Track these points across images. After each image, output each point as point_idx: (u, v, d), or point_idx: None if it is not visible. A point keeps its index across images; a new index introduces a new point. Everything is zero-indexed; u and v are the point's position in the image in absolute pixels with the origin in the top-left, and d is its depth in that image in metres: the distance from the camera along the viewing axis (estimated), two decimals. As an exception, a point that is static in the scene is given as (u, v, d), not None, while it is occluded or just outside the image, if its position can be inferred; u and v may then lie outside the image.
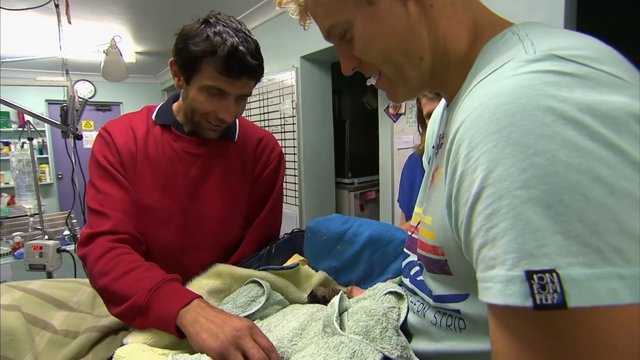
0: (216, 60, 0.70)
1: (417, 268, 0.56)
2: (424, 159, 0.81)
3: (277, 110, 2.73)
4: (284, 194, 2.61)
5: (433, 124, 0.71)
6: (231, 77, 0.72)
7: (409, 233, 0.63)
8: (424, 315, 0.50)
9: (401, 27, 0.42)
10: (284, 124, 2.65)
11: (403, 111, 1.75)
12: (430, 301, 0.48)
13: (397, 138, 1.81)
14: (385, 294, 0.58)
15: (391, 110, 1.78)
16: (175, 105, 0.87)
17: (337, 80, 2.84)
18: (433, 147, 0.61)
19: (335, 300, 0.55)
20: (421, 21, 0.42)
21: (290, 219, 2.69)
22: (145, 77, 5.34)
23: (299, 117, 2.51)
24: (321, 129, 2.56)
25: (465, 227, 0.32)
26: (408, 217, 1.45)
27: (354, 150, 2.82)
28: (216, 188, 0.85)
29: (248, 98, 0.84)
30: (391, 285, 0.60)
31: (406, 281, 0.58)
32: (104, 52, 2.06)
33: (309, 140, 2.58)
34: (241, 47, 0.70)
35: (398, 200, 1.42)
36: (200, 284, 0.70)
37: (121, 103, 5.25)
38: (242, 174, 0.89)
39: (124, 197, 0.77)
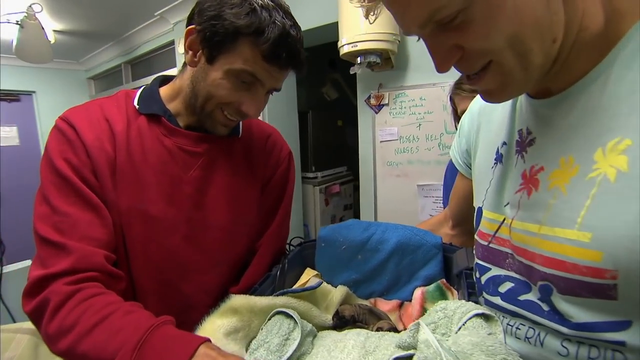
0: (263, 42, 0.55)
1: (511, 285, 0.47)
2: (459, 157, 0.72)
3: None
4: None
5: (477, 117, 0.62)
6: (276, 65, 0.58)
7: (485, 242, 0.53)
8: (541, 344, 0.42)
9: (538, 1, 0.34)
10: (244, 116, 2.42)
11: (386, 102, 1.67)
12: (561, 328, 0.40)
13: (379, 130, 1.73)
14: (472, 317, 0.46)
15: (373, 101, 1.69)
16: (165, 90, 0.68)
17: (295, 69, 2.68)
18: (504, 143, 0.52)
19: (431, 337, 0.43)
20: None
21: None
22: (66, 62, 4.60)
23: (264, 109, 2.30)
24: (286, 122, 2.40)
25: None
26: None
27: (317, 142, 2.70)
28: (221, 193, 0.68)
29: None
30: (471, 304, 0.49)
31: (495, 300, 0.49)
32: (17, 24, 1.66)
33: (273, 133, 2.38)
34: (292, 32, 0.57)
35: (443, 203, 1.34)
36: (214, 326, 0.53)
37: (34, 92, 4.42)
38: (250, 175, 0.73)
39: (92, 220, 0.55)
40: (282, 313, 0.59)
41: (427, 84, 1.60)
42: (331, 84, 3.06)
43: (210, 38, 0.57)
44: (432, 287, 0.74)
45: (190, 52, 0.61)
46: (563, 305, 0.39)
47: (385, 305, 0.78)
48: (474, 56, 0.37)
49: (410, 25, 0.38)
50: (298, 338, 0.55)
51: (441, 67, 0.39)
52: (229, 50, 0.57)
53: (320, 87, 3.17)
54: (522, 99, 0.50)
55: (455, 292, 0.70)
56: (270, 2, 0.58)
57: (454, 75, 1.48)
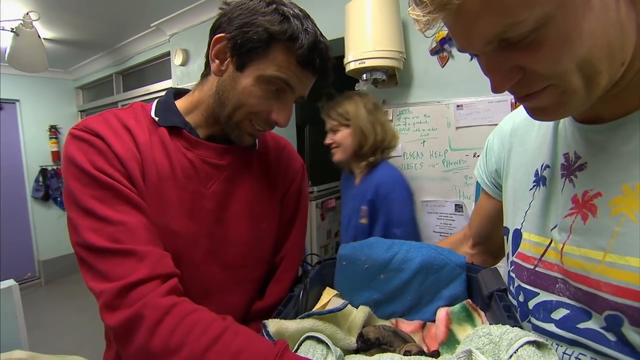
0: (297, 47, 0.54)
1: (567, 311, 0.45)
2: (485, 177, 0.71)
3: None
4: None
5: (509, 138, 0.62)
6: (309, 70, 0.58)
7: (530, 265, 0.51)
8: None
9: (612, 23, 0.33)
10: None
11: (390, 118, 1.67)
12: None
13: (381, 144, 1.73)
14: (523, 345, 0.44)
15: (375, 116, 1.69)
16: (181, 103, 0.66)
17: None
18: (547, 166, 0.51)
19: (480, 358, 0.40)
20: (631, 16, 0.33)
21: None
22: (54, 71, 4.51)
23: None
24: (285, 135, 2.38)
25: None
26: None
27: (313, 157, 2.68)
28: (243, 207, 0.66)
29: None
30: (519, 330, 0.47)
31: (548, 326, 0.47)
32: (11, 31, 1.61)
33: (270, 146, 2.35)
34: (322, 39, 0.57)
35: None
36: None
37: (18, 101, 4.28)
38: (269, 189, 0.71)
39: (148, 224, 0.53)
40: (313, 338, 0.55)
41: (432, 101, 1.61)
42: (326, 98, 3.07)
43: (242, 45, 0.56)
44: (457, 307, 0.71)
45: (217, 61, 0.60)
46: (635, 337, 0.38)
47: (407, 326, 0.75)
48: (536, 78, 0.36)
49: (474, 40, 0.36)
50: (333, 365, 0.52)
51: (499, 88, 0.38)
52: (261, 56, 0.56)
53: (316, 102, 3.17)
54: (565, 122, 0.49)
55: (482, 313, 0.68)
56: (299, 12, 0.58)
57: (460, 94, 1.50)
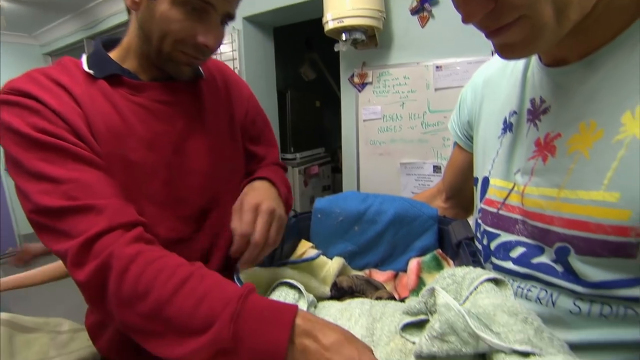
0: None
1: (523, 249, 0.47)
2: (458, 130, 0.72)
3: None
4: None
5: (481, 89, 0.62)
6: None
7: (494, 209, 0.53)
8: (553, 304, 0.43)
9: None
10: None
11: (370, 80, 1.65)
12: (576, 287, 0.41)
13: (362, 109, 1.72)
14: (482, 282, 0.47)
15: (356, 80, 1.67)
16: (115, 53, 0.63)
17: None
18: (514, 112, 0.52)
19: (450, 300, 0.42)
20: None
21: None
22: (17, 36, 4.22)
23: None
24: (265, 101, 2.33)
25: None
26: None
27: (295, 123, 2.66)
28: (202, 137, 0.66)
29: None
30: (480, 270, 0.49)
31: (506, 264, 0.49)
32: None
33: (251, 113, 2.31)
34: None
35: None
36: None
37: (-23, 68, 4.05)
38: (223, 114, 0.72)
39: (102, 178, 0.51)
40: (286, 284, 0.57)
41: (411, 62, 1.60)
42: (309, 64, 3.00)
43: None
44: (427, 257, 0.74)
45: None
46: (579, 265, 0.40)
47: (380, 276, 0.78)
48: (506, 9, 0.35)
49: None
50: (304, 308, 0.54)
51: (470, 18, 0.37)
52: None
53: (298, 67, 3.10)
54: (533, 67, 0.49)
55: (451, 261, 0.71)
56: None
57: (439, 55, 1.49)
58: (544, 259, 0.44)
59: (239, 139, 0.75)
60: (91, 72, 0.58)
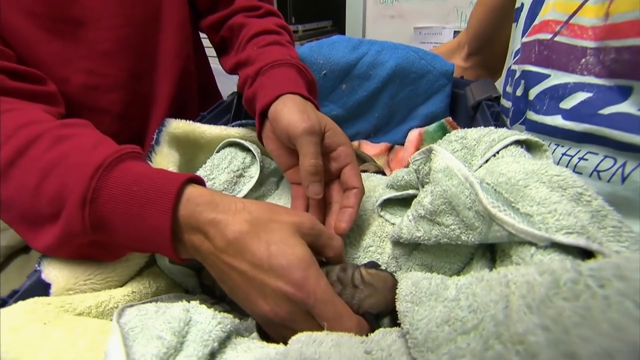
0: None
1: (588, 95, 0.30)
2: None
3: None
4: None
5: None
6: None
7: (547, 35, 0.34)
8: (622, 179, 0.29)
9: None
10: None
11: None
12: None
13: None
14: (508, 146, 0.31)
15: None
16: None
17: None
18: None
19: (455, 163, 0.27)
20: None
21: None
22: None
23: None
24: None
25: None
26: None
27: (297, -15, 2.23)
28: None
29: None
30: (504, 130, 0.33)
31: (551, 120, 0.33)
32: None
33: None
34: None
35: None
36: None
37: None
38: None
39: None
40: (237, 145, 0.42)
41: None
42: None
43: None
44: (433, 126, 0.58)
45: None
46: None
47: (371, 149, 0.63)
48: None
49: None
50: (256, 176, 0.40)
51: None
52: None
53: None
54: None
55: (464, 131, 0.55)
56: None
57: None
58: (625, 107, 0.28)
59: None
60: None
